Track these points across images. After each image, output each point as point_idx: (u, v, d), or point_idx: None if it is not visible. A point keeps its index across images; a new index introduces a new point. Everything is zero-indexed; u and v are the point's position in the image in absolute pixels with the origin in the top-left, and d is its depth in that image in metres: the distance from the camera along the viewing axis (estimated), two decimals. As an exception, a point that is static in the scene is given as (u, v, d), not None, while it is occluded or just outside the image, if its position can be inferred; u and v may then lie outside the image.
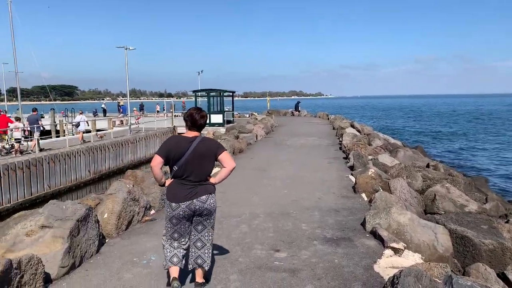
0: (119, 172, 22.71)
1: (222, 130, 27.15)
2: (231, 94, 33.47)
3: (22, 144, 17.94)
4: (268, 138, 20.68)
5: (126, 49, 27.08)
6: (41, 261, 4.28)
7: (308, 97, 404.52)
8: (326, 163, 12.63)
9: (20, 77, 28.46)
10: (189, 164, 4.04)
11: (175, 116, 32.71)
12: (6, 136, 17.72)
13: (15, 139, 17.68)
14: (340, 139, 17.60)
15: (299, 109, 41.77)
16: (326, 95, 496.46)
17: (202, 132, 4.36)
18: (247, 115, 41.91)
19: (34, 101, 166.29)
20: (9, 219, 5.13)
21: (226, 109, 31.99)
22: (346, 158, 13.40)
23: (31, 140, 18.30)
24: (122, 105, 38.50)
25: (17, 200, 15.34)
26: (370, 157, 13.10)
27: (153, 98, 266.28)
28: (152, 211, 7.39)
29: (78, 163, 19.14)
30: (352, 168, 11.44)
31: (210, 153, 4.12)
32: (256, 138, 19.50)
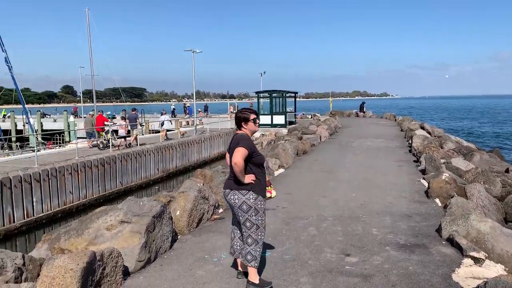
0: (185, 171, 23.50)
1: (284, 131, 27.14)
2: (293, 95, 33.37)
3: (124, 139, 20.27)
4: (332, 139, 20.34)
5: (193, 52, 27.91)
6: (121, 255, 4.49)
7: (372, 97, 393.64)
8: (395, 166, 12.17)
9: (95, 80, 30.29)
10: (229, 158, 4.43)
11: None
12: (103, 134, 20.13)
13: (120, 136, 20.00)
14: (410, 141, 16.90)
15: (364, 109, 40.71)
16: (391, 96, 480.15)
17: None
18: (309, 116, 41.57)
19: (106, 102, 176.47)
20: (91, 213, 5.44)
21: (289, 110, 31.91)
22: (417, 161, 12.84)
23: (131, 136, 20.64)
24: (188, 106, 39.79)
25: (93, 196, 16.35)
26: (442, 160, 12.44)
27: (216, 100, 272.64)
28: (221, 210, 7.53)
29: (148, 162, 20.03)
30: (423, 171, 10.93)
31: (234, 148, 4.32)
32: (320, 140, 19.25)
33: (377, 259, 5.16)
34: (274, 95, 30.43)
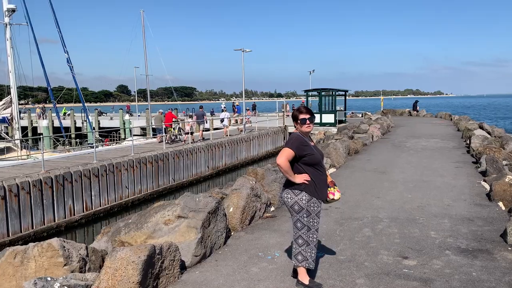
0: (234, 168, 23.78)
1: (333, 130, 26.77)
2: (343, 93, 32.82)
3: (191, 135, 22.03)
4: (385, 139, 19.80)
5: (243, 51, 28.16)
6: (178, 249, 4.60)
7: (425, 96, 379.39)
8: (452, 167, 11.65)
9: (148, 79, 31.34)
10: None
11: (287, 116, 33.07)
12: (172, 129, 21.86)
13: (186, 132, 21.89)
14: (467, 142, 16.12)
15: (418, 108, 39.31)
16: (446, 94, 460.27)
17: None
18: (360, 115, 40.73)
19: (158, 101, 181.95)
20: (149, 207, 5.62)
21: (338, 109, 31.41)
22: (476, 162, 12.22)
23: (199, 131, 22.83)
24: (237, 105, 40.20)
25: (147, 191, 16.91)
26: (505, 162, 11.75)
27: (264, 99, 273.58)
28: (272, 208, 7.54)
29: (198, 159, 20.45)
30: (484, 173, 10.38)
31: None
32: (372, 139, 18.80)
33: (437, 263, 4.96)
34: (323, 93, 30.08)
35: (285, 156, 4.12)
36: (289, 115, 33.90)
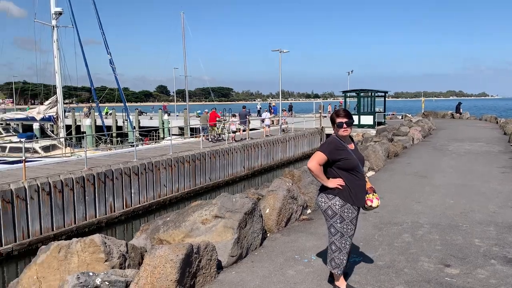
0: (269, 169, 23.78)
1: (372, 132, 26.27)
2: (383, 94, 32.15)
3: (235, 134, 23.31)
4: (426, 142, 19.22)
5: (281, 52, 28.11)
6: (215, 248, 4.64)
7: (469, 97, 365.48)
8: (498, 172, 11.15)
9: (186, 80, 31.86)
10: None
11: (323, 117, 32.78)
12: (216, 128, 22.71)
13: (232, 131, 22.98)
14: (515, 146, 15.38)
15: (461, 110, 37.92)
16: (491, 96, 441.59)
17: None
18: (400, 117, 39.78)
19: (196, 101, 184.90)
20: (187, 206, 5.70)
21: (377, 110, 30.79)
22: (524, 168, 11.64)
23: (244, 130, 23.67)
24: (273, 106, 40.22)
25: (184, 189, 17.19)
26: (556, 168, 11.14)
27: (300, 99, 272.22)
28: (309, 211, 7.47)
29: (234, 159, 20.59)
30: (533, 179, 9.87)
31: None
32: (412, 142, 18.30)
33: (481, 273, 4.75)
34: (361, 94, 29.60)
35: (316, 160, 4.05)
36: (328, 116, 33.63)
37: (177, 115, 46.70)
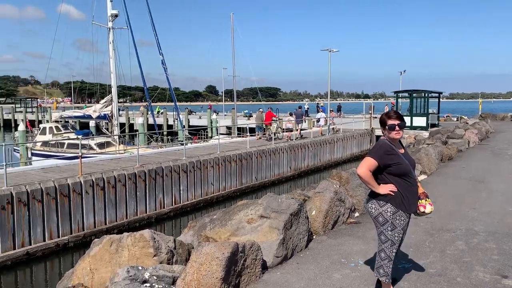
0: (316, 170, 23.53)
1: (425, 134, 25.33)
2: (437, 95, 30.89)
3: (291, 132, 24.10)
4: (483, 145, 18.27)
5: (330, 51, 27.75)
6: (260, 248, 4.64)
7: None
8: None
9: (235, 80, 32.22)
10: None
11: (374, 118, 31.98)
12: (271, 127, 23.28)
13: (287, 129, 24.26)
14: None
15: (522, 113, 35.73)
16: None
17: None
18: (455, 119, 38.09)
19: (243, 101, 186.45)
20: (233, 205, 5.76)
21: (431, 112, 29.60)
22: None
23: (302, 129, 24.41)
24: (321, 106, 39.76)
25: (230, 188, 17.38)
26: None
27: (349, 100, 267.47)
28: (357, 214, 7.31)
29: (281, 159, 20.55)
30: None
31: None
32: (468, 145, 17.45)
33: (543, 287, 4.44)
34: (414, 95, 28.61)
35: (366, 166, 3.90)
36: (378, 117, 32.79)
37: (225, 115, 47.33)
